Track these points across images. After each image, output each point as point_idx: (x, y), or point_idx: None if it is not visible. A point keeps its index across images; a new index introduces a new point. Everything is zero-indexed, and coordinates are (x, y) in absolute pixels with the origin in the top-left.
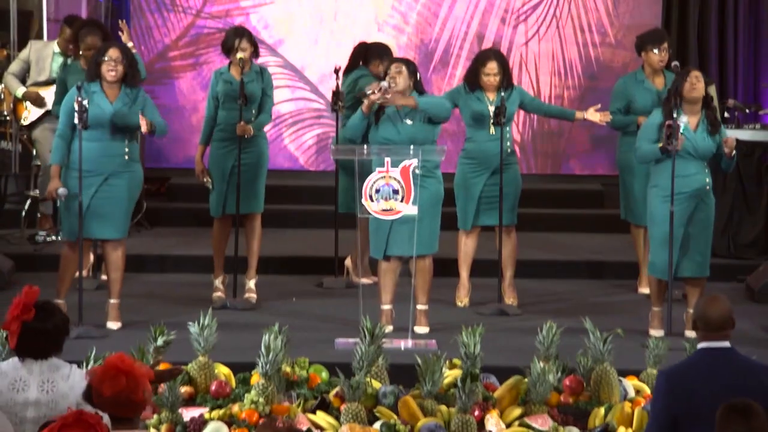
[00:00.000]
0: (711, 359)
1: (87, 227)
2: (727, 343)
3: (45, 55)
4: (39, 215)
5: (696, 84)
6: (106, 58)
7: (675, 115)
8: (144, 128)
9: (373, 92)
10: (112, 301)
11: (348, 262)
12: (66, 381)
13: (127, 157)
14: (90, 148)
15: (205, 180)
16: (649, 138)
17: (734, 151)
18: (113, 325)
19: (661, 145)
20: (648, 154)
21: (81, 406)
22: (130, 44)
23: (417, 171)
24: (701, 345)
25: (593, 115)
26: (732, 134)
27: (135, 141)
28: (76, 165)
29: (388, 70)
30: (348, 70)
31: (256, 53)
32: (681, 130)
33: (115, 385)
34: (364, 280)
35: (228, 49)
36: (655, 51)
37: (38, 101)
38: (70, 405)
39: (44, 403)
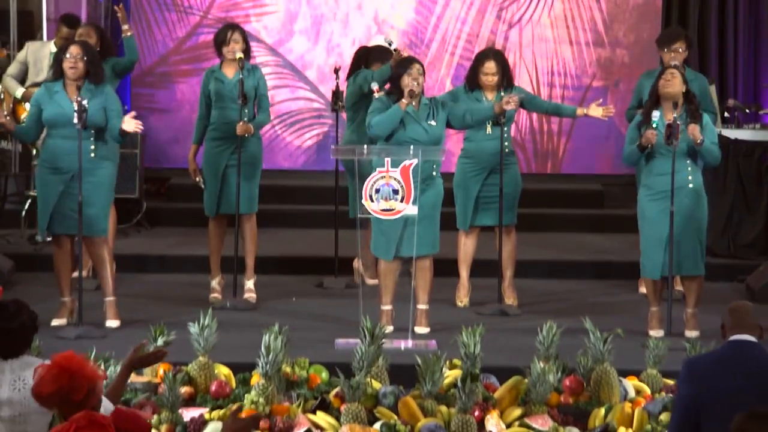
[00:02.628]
0: (736, 351)
1: (60, 224)
2: (753, 338)
3: (42, 55)
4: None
5: (670, 79)
6: (67, 56)
7: (655, 115)
8: (128, 129)
9: (413, 92)
10: (108, 299)
11: (356, 263)
12: (34, 375)
13: (93, 155)
14: (56, 145)
15: (197, 179)
16: (633, 140)
17: (699, 138)
18: (112, 323)
19: (637, 143)
20: (630, 155)
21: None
22: (125, 27)
23: (434, 173)
24: (730, 338)
25: (595, 110)
26: (732, 134)
27: (104, 140)
28: (47, 164)
29: (409, 71)
30: (351, 74)
31: (248, 53)
32: (654, 125)
33: (54, 383)
34: (373, 281)
35: (220, 43)
36: (666, 51)
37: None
38: None
39: (17, 401)
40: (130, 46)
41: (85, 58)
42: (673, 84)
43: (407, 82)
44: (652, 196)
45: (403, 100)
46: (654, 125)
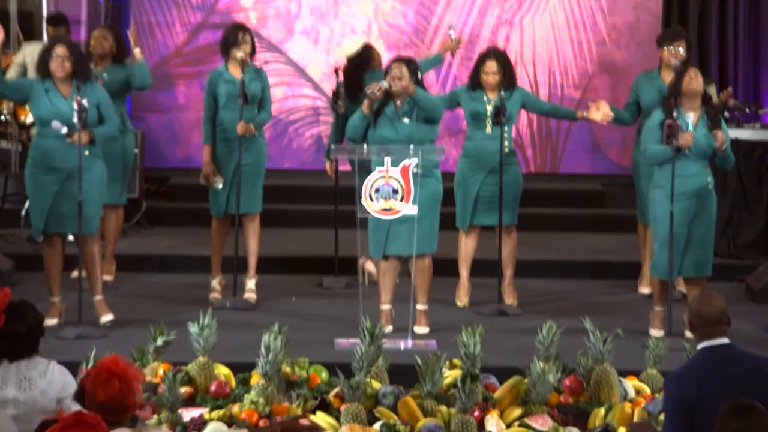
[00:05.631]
0: (712, 357)
1: (56, 224)
2: (725, 340)
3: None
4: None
5: (694, 77)
6: (53, 55)
7: (675, 114)
8: (83, 141)
9: (373, 92)
10: (97, 297)
11: (366, 263)
12: (44, 378)
13: (87, 153)
14: (49, 145)
15: (215, 180)
16: (655, 138)
17: (725, 145)
18: (106, 318)
19: (668, 144)
20: (658, 154)
21: (63, 402)
22: (137, 50)
23: (416, 170)
24: (701, 345)
25: (595, 114)
26: (732, 134)
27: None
28: (41, 164)
29: (389, 70)
30: (354, 93)
31: (253, 52)
32: (689, 127)
33: (108, 389)
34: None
35: (231, 44)
36: (667, 48)
37: None
38: (50, 401)
39: (23, 401)
40: (143, 73)
41: (72, 58)
42: (698, 81)
43: (383, 83)
44: (669, 197)
45: (365, 101)
46: (689, 127)
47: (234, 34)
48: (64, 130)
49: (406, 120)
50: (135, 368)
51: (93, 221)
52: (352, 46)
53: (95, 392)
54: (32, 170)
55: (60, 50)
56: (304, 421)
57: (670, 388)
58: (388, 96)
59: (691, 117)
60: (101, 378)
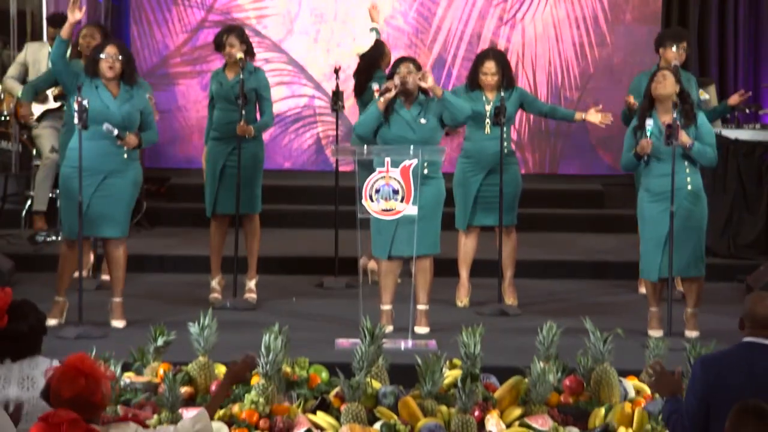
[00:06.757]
0: (750, 353)
1: (88, 226)
2: None
3: (41, 56)
4: (33, 214)
5: (662, 81)
6: (104, 55)
7: (650, 121)
8: (132, 144)
9: (389, 89)
10: (116, 299)
11: (369, 263)
12: (46, 377)
13: (126, 156)
14: (89, 146)
15: None
16: (629, 144)
17: (689, 143)
18: (118, 323)
19: (633, 151)
20: (626, 163)
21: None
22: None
23: (425, 171)
24: (745, 339)
25: (593, 116)
26: (732, 134)
27: None
28: (75, 163)
29: (398, 70)
30: (359, 90)
31: (250, 53)
32: (648, 134)
33: (74, 386)
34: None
35: (217, 46)
36: (672, 48)
37: (38, 97)
38: None
39: (25, 399)
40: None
41: (121, 58)
42: (666, 85)
43: (395, 81)
44: (652, 197)
45: (381, 99)
46: (648, 133)
47: (219, 37)
48: (115, 132)
49: (423, 120)
50: (103, 366)
51: (123, 224)
52: (364, 44)
53: (60, 389)
54: (69, 171)
55: (111, 50)
56: (247, 359)
57: (696, 367)
58: (396, 94)
59: (650, 123)
60: (67, 375)
